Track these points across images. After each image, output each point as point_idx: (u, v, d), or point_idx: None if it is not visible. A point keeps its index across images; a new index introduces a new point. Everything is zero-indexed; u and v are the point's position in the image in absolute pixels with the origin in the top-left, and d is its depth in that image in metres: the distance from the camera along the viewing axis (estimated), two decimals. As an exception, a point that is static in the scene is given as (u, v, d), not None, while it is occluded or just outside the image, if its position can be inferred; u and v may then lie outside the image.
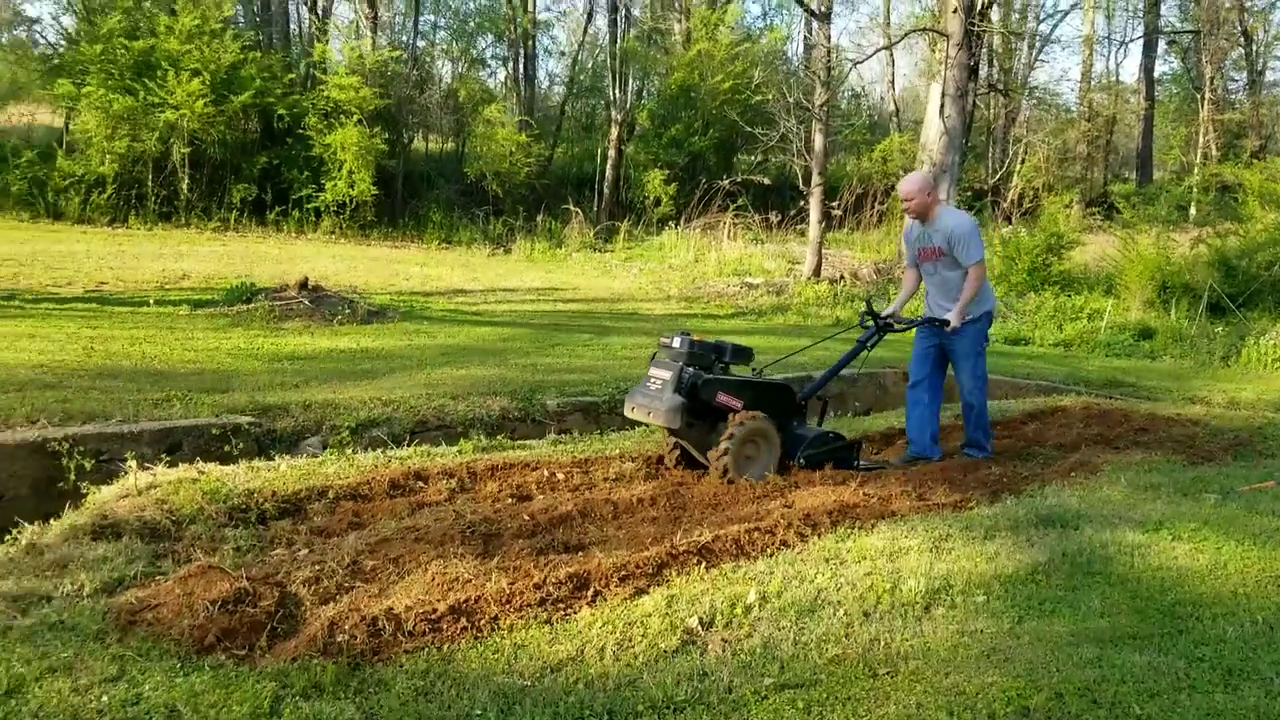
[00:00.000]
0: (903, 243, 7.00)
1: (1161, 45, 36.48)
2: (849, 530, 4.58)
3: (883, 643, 3.39)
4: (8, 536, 4.25)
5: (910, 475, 5.82)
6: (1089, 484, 5.68)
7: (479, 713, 2.86)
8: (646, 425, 6.04)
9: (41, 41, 26.45)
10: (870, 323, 6.53)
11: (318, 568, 3.86)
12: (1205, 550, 4.44)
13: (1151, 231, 17.20)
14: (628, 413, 5.70)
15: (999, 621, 3.59)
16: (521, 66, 31.50)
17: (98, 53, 20.59)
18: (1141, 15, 36.79)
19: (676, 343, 5.67)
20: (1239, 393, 9.81)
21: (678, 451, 5.87)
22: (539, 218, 24.75)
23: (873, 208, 24.61)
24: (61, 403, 6.12)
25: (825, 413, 6.65)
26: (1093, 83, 37.90)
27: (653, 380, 5.60)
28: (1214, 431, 7.61)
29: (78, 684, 2.88)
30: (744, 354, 5.89)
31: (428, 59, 29.19)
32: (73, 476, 5.29)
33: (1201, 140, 31.15)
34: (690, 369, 5.56)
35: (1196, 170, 28.75)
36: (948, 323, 6.38)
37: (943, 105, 18.30)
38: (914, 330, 6.78)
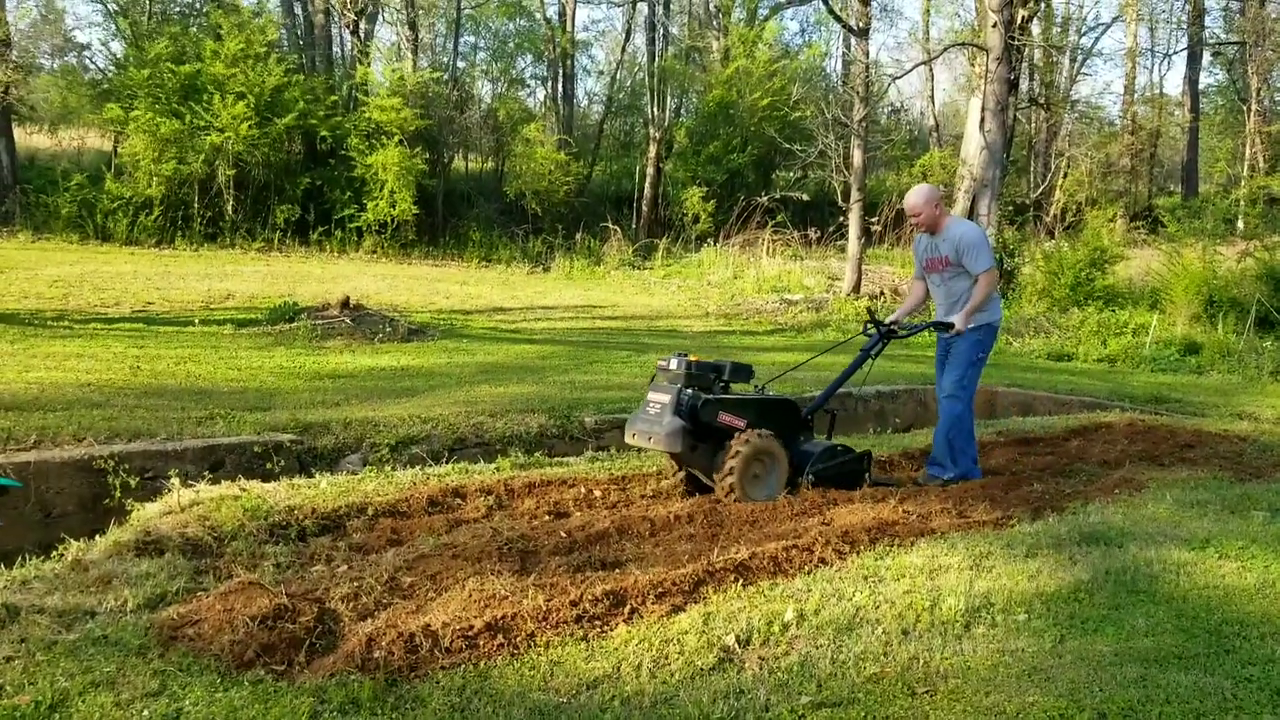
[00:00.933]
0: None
1: (1206, 57, 36.07)
2: (888, 548, 4.54)
3: (922, 661, 3.36)
4: (54, 553, 4.33)
5: (950, 492, 5.75)
6: (1133, 501, 5.58)
7: (514, 730, 2.87)
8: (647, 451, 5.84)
9: (91, 67, 27.20)
10: (873, 330, 6.40)
11: (356, 584, 3.89)
12: (1253, 568, 4.36)
13: (1197, 245, 16.99)
14: (628, 439, 5.54)
15: (1040, 640, 3.54)
16: (560, 86, 31.78)
17: (145, 77, 21.04)
18: (1185, 27, 36.36)
19: (674, 364, 5.51)
20: (1289, 408, 9.62)
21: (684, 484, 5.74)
22: (578, 235, 24.84)
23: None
24: (108, 421, 6.23)
25: (833, 425, 6.52)
26: (1136, 96, 37.52)
27: (651, 404, 5.45)
28: (1262, 447, 7.48)
29: (120, 699, 2.92)
30: (744, 372, 5.74)
31: (468, 79, 29.51)
32: (118, 493, 5.38)
33: (1248, 152, 30.75)
34: (689, 390, 5.41)
35: (1243, 183, 28.37)
36: (952, 325, 6.29)
37: (983, 120, 18.18)
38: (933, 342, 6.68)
